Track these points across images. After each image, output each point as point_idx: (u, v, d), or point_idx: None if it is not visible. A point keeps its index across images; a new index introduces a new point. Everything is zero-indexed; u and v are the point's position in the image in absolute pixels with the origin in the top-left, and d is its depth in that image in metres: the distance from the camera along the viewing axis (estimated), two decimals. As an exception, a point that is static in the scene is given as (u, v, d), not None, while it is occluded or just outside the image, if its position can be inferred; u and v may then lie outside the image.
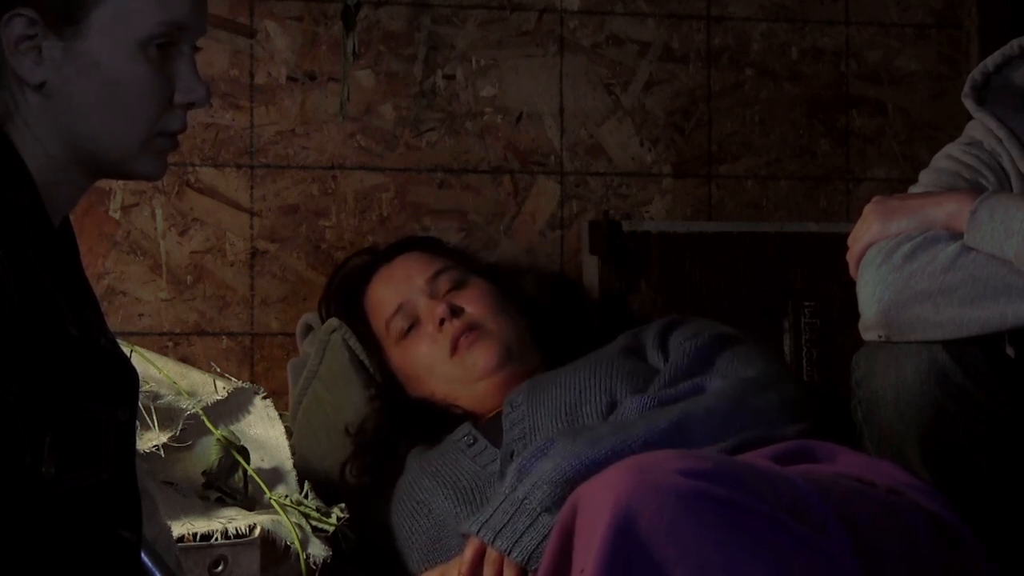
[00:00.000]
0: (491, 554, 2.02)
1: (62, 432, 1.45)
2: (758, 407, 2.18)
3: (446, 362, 2.47)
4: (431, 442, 2.46)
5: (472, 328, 2.47)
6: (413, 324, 2.51)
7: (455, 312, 2.48)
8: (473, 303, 2.50)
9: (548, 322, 2.63)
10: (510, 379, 2.45)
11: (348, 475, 2.48)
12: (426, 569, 2.29)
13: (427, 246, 2.64)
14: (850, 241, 2.06)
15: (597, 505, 1.65)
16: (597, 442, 2.08)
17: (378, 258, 2.62)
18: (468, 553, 2.03)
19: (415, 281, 2.53)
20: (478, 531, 2.03)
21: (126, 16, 1.52)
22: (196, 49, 1.60)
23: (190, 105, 1.58)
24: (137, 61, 1.53)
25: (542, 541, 1.97)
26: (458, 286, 2.53)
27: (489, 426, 2.39)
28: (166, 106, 1.56)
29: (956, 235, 1.97)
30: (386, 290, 2.56)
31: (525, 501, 2.02)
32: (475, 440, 2.38)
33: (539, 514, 2.00)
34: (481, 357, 2.45)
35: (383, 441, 2.49)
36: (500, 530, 2.01)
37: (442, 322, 2.47)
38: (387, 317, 2.53)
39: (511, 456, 2.26)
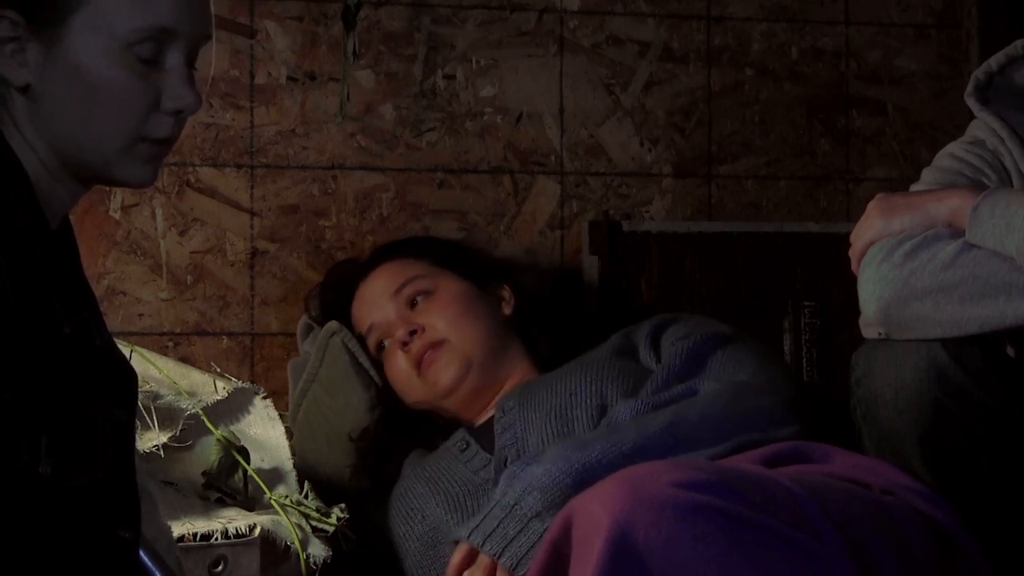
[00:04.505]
0: (482, 559, 2.01)
1: (58, 432, 1.45)
2: (751, 411, 2.17)
3: (415, 379, 2.47)
4: (429, 447, 2.45)
5: (434, 345, 2.47)
6: (386, 342, 2.52)
7: (415, 331, 2.47)
8: (437, 314, 2.49)
9: (536, 312, 2.60)
10: (482, 386, 2.45)
11: (348, 479, 2.48)
12: (420, 574, 2.29)
13: (399, 253, 2.61)
14: (852, 238, 2.06)
15: (592, 521, 1.64)
16: (587, 446, 2.07)
17: (356, 274, 2.62)
18: (456, 558, 2.03)
19: (381, 300, 2.53)
20: (468, 536, 2.02)
21: (106, 19, 1.51)
22: (196, 59, 1.58)
23: (178, 112, 1.56)
24: (118, 65, 1.52)
25: (532, 547, 1.97)
26: (425, 296, 2.52)
27: (482, 431, 2.39)
28: (151, 112, 1.54)
29: (958, 233, 1.97)
30: (360, 310, 2.57)
31: (515, 507, 2.01)
32: (468, 445, 2.38)
33: (529, 519, 2.00)
34: (440, 374, 2.45)
35: (384, 446, 2.49)
36: (490, 535, 2.01)
37: (404, 344, 2.47)
38: (362, 336, 2.54)
39: (504, 463, 2.25)
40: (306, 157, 2.80)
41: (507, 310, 2.56)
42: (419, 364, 2.46)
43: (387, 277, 2.56)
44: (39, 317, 1.45)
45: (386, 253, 2.63)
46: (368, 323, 2.54)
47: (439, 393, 2.45)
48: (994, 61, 2.20)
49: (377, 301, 2.53)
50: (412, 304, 2.51)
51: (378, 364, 2.53)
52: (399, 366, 2.49)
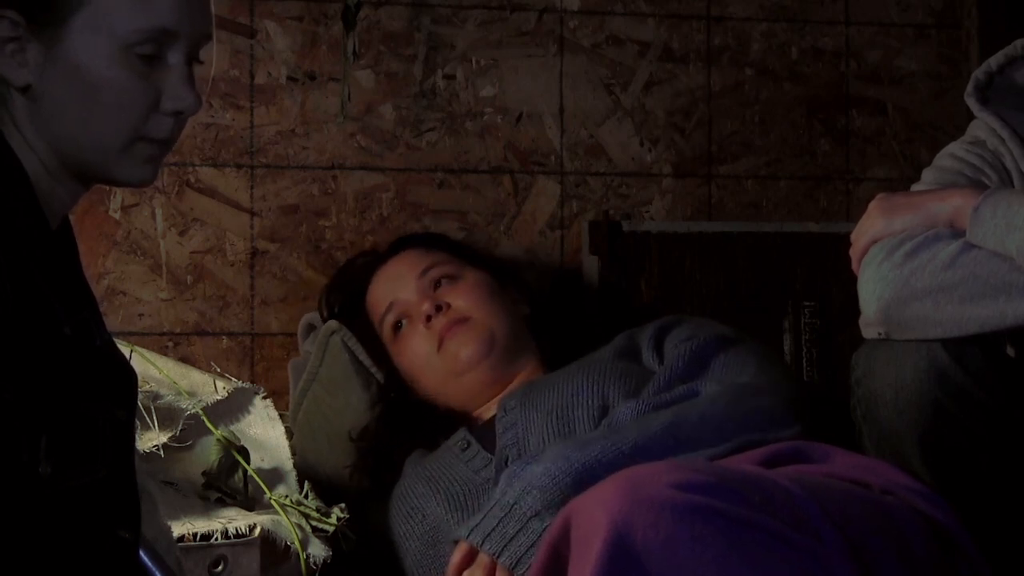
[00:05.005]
0: (481, 558, 2.01)
1: (58, 432, 1.45)
2: (752, 412, 2.17)
3: (435, 357, 2.47)
4: (430, 447, 2.45)
5: (459, 322, 2.47)
6: (404, 322, 2.51)
7: (441, 308, 2.48)
8: (463, 296, 2.50)
9: (549, 316, 2.62)
10: (498, 372, 2.45)
11: (349, 478, 2.48)
12: (420, 574, 2.29)
13: (424, 243, 2.63)
14: (853, 238, 2.06)
15: (591, 522, 1.64)
16: (587, 446, 2.07)
17: (376, 259, 2.63)
18: (456, 557, 2.03)
19: (406, 279, 2.54)
20: (467, 535, 2.03)
21: (106, 20, 1.51)
22: (197, 59, 1.58)
23: (178, 113, 1.56)
24: (118, 66, 1.52)
25: (531, 546, 1.97)
26: (450, 280, 2.53)
27: (483, 430, 2.39)
28: (151, 112, 1.55)
29: (958, 233, 1.97)
30: (379, 290, 2.56)
31: (515, 506, 2.01)
32: (469, 444, 2.38)
33: (528, 519, 2.00)
34: (463, 346, 2.45)
35: (384, 445, 2.49)
36: (489, 533, 2.01)
37: (428, 318, 2.47)
38: (379, 317, 2.54)
39: (505, 462, 2.25)
40: (306, 157, 2.80)
41: (526, 309, 2.57)
42: (441, 340, 2.46)
43: (412, 259, 2.57)
44: (39, 317, 1.45)
45: (408, 242, 2.64)
46: (389, 301, 2.53)
47: (458, 368, 2.45)
48: (994, 61, 2.20)
49: (401, 279, 2.54)
50: (436, 287, 2.52)
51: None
52: (418, 344, 2.49)
